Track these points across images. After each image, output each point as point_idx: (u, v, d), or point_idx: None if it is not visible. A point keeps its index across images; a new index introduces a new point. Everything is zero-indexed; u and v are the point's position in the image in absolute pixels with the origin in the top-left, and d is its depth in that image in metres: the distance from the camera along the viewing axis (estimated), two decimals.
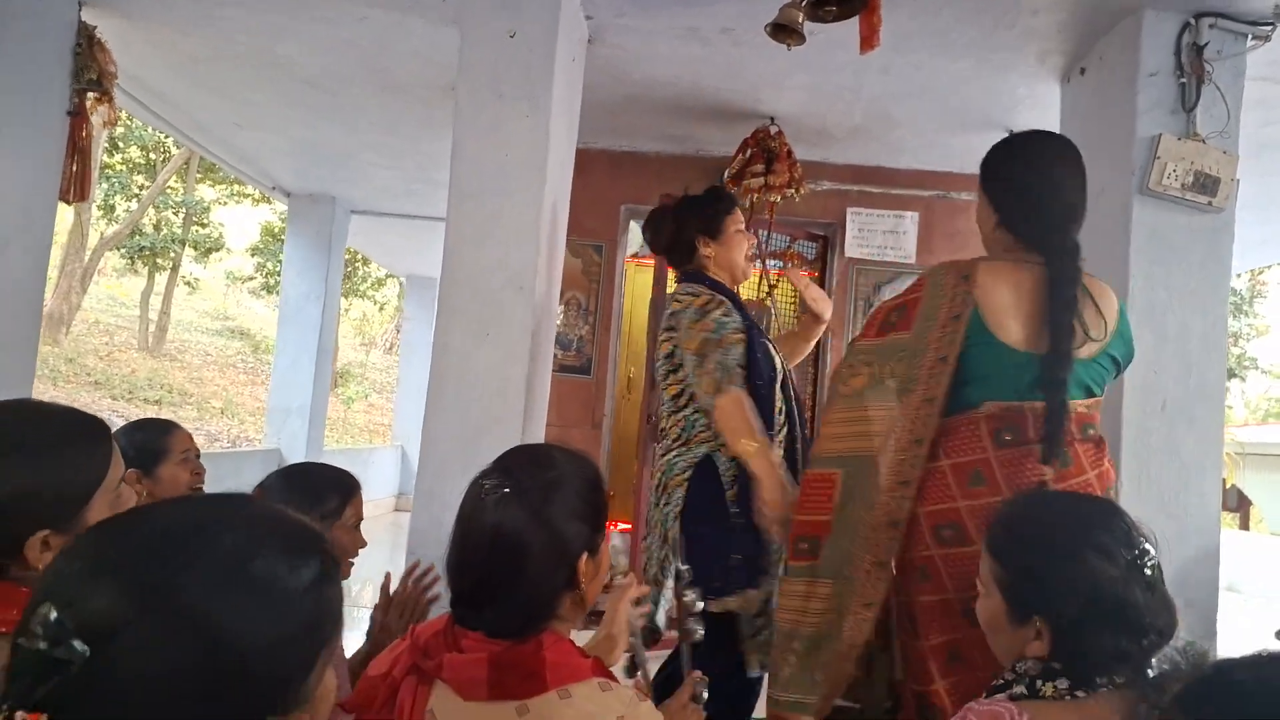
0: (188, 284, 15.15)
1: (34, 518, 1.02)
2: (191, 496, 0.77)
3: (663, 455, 2.25)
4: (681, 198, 2.47)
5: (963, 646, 1.56)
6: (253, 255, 15.18)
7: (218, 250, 14.63)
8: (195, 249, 14.10)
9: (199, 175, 13.63)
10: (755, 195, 3.82)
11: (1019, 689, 1.16)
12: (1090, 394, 1.64)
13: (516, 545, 1.11)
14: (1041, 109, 3.58)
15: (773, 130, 3.88)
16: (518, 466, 1.20)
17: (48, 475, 1.04)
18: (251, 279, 16.01)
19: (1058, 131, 2.27)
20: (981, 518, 1.51)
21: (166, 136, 10.84)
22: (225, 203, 14.62)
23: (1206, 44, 2.60)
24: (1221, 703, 0.74)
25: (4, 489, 1.01)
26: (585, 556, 1.16)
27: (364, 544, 1.71)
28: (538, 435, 2.93)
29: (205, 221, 14.06)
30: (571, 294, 4.51)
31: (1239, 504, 11.85)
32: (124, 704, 0.57)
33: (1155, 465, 2.44)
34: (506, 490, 1.14)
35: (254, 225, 15.29)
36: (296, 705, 0.67)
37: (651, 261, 5.89)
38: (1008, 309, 1.60)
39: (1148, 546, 1.16)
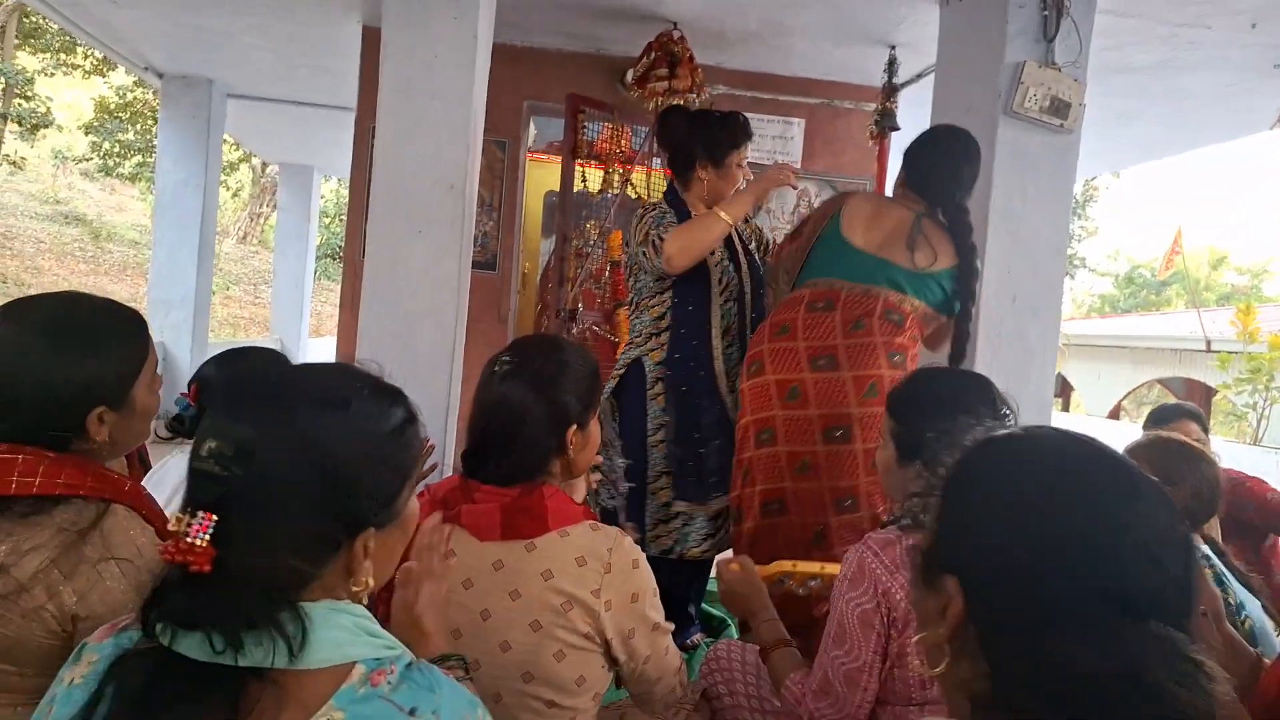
0: (12, 163, 13.66)
1: (93, 398, 1.16)
2: (302, 364, 0.98)
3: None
4: (700, 111, 2.59)
5: (784, 495, 2.17)
6: (86, 134, 13.83)
7: (45, 127, 13.23)
8: (19, 125, 12.72)
9: (17, 41, 12.19)
10: (659, 99, 3.97)
11: (906, 521, 1.47)
12: (902, 292, 2.22)
13: (519, 409, 1.34)
14: (921, 27, 3.87)
15: (675, 34, 4.01)
16: (530, 349, 1.43)
17: (105, 361, 1.17)
18: (86, 159, 14.63)
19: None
20: (780, 359, 2.18)
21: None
22: (52, 74, 13.16)
23: None
24: (963, 474, 0.75)
25: (74, 375, 1.14)
26: (574, 428, 1.38)
27: None
28: (462, 326, 3.08)
29: (29, 94, 12.66)
30: (477, 190, 4.56)
31: (1063, 390, 13.37)
32: (265, 507, 0.77)
33: (1004, 350, 2.89)
34: (515, 366, 1.37)
35: (86, 101, 13.89)
36: (389, 520, 0.87)
37: (546, 158, 5.95)
38: (861, 222, 2.27)
39: (1008, 411, 1.52)
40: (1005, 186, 2.94)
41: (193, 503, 0.76)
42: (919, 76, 4.35)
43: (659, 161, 4.30)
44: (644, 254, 2.43)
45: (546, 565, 1.28)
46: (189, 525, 0.74)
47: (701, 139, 2.48)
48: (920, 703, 1.40)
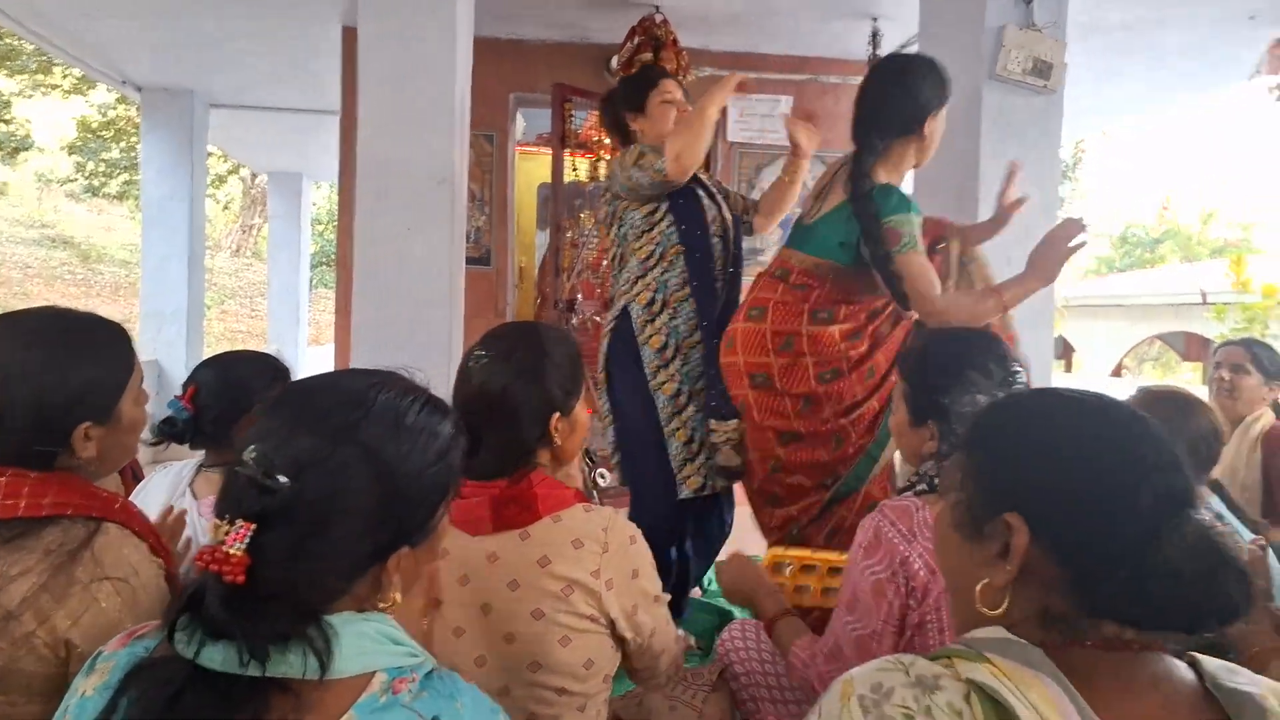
0: None
1: (79, 413, 1.13)
2: (353, 370, 0.93)
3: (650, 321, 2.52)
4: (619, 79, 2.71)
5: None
6: (70, 154, 13.75)
7: (26, 150, 13.16)
8: None
9: None
10: None
11: (921, 486, 1.45)
12: (791, 247, 2.25)
13: (500, 398, 1.32)
14: None
15: (658, 18, 4.00)
16: (507, 337, 1.40)
17: (90, 375, 1.14)
18: (70, 180, 14.55)
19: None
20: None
21: None
22: (30, 95, 13.07)
23: None
24: (995, 425, 0.84)
25: (58, 390, 1.11)
26: (558, 415, 1.36)
27: None
28: (459, 323, 3.09)
29: (8, 117, 12.59)
30: (467, 185, 4.56)
31: (1064, 351, 13.37)
32: (314, 522, 0.76)
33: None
34: (492, 355, 1.34)
35: (67, 121, 13.81)
36: (425, 537, 0.86)
37: (536, 149, 5.94)
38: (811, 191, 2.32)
39: (1018, 368, 1.49)
40: (993, 150, 2.94)
41: (231, 510, 0.75)
42: (903, 47, 4.33)
43: None
44: (637, 176, 2.41)
45: (542, 552, 1.27)
46: (226, 533, 0.73)
47: (623, 98, 2.60)
48: None
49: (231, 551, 0.72)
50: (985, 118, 2.92)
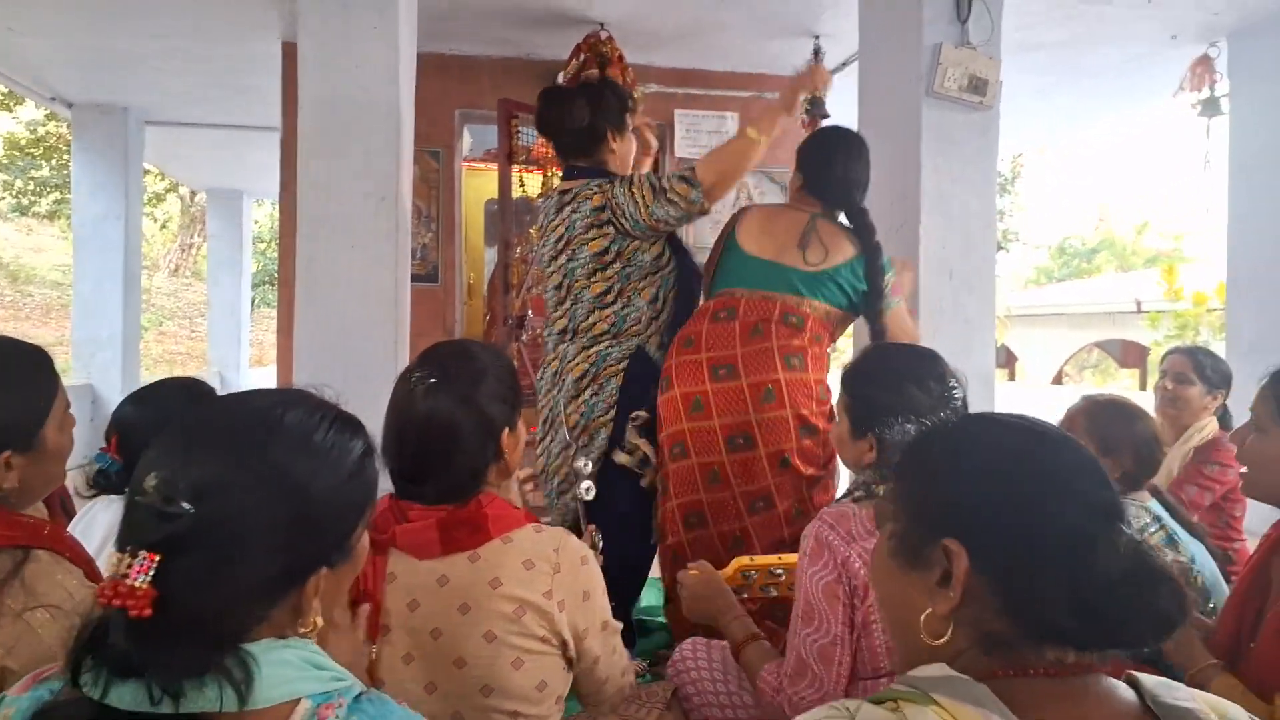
0: None
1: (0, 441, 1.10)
2: (257, 390, 0.91)
3: (585, 348, 2.35)
4: (584, 85, 2.49)
5: (702, 507, 2.18)
6: None
7: None
8: None
9: None
10: None
11: (859, 493, 1.51)
12: (800, 294, 2.22)
13: (450, 427, 1.29)
14: (842, 17, 3.94)
15: (604, 35, 4.02)
16: (444, 360, 1.37)
17: (8, 402, 1.12)
18: None
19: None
20: (685, 372, 2.19)
21: None
22: None
23: None
24: (927, 452, 0.85)
25: None
26: (506, 431, 1.36)
27: None
28: (404, 341, 3.04)
29: None
30: (412, 202, 4.51)
31: (1007, 360, 13.71)
32: (222, 546, 0.72)
33: (945, 326, 2.95)
34: (435, 380, 1.31)
35: None
36: (344, 558, 0.83)
37: (483, 166, 5.90)
38: (755, 230, 2.31)
39: (955, 384, 1.54)
40: (933, 167, 3.00)
41: (133, 542, 0.71)
42: (844, 64, 4.42)
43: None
44: (664, 212, 2.26)
45: (493, 574, 1.25)
46: (129, 566, 0.69)
47: (605, 113, 2.39)
48: (888, 673, 1.41)
49: (136, 585, 0.69)
50: (925, 133, 2.98)
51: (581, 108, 2.38)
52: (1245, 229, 3.63)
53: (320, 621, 0.82)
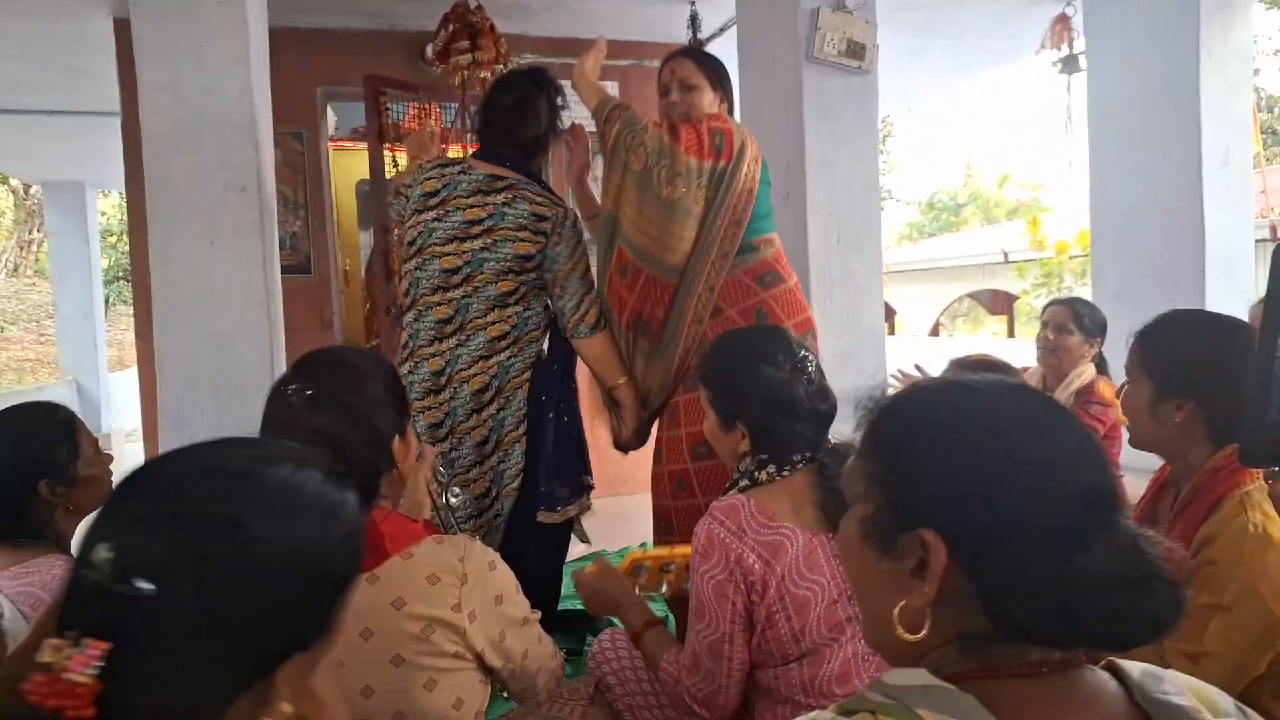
0: None
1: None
2: (227, 440, 0.74)
3: (483, 358, 2.21)
4: (536, 82, 2.31)
5: (687, 476, 2.15)
6: None
7: None
8: None
9: None
10: (465, 73, 3.80)
11: (744, 483, 1.51)
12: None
13: (335, 441, 1.18)
14: None
15: (473, 4, 3.83)
16: (319, 369, 1.27)
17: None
18: None
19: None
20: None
21: None
22: None
23: None
24: (899, 428, 0.76)
25: None
26: (396, 439, 1.28)
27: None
28: (279, 341, 2.85)
29: None
30: (277, 189, 4.22)
31: (887, 315, 14.27)
32: (185, 635, 0.60)
33: (836, 289, 2.99)
34: (312, 393, 1.21)
35: None
36: (322, 640, 0.69)
37: (352, 145, 5.60)
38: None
39: (806, 354, 1.55)
40: (816, 133, 3.01)
41: (77, 625, 0.59)
42: (722, 30, 4.38)
43: (473, 138, 4.13)
44: (583, 313, 2.24)
45: (395, 594, 1.18)
46: (68, 657, 0.57)
47: (554, 126, 2.32)
48: (797, 657, 1.42)
49: (78, 679, 0.56)
50: (807, 100, 2.98)
51: (542, 108, 2.31)
52: (1106, 181, 3.82)
53: (289, 709, 0.68)
